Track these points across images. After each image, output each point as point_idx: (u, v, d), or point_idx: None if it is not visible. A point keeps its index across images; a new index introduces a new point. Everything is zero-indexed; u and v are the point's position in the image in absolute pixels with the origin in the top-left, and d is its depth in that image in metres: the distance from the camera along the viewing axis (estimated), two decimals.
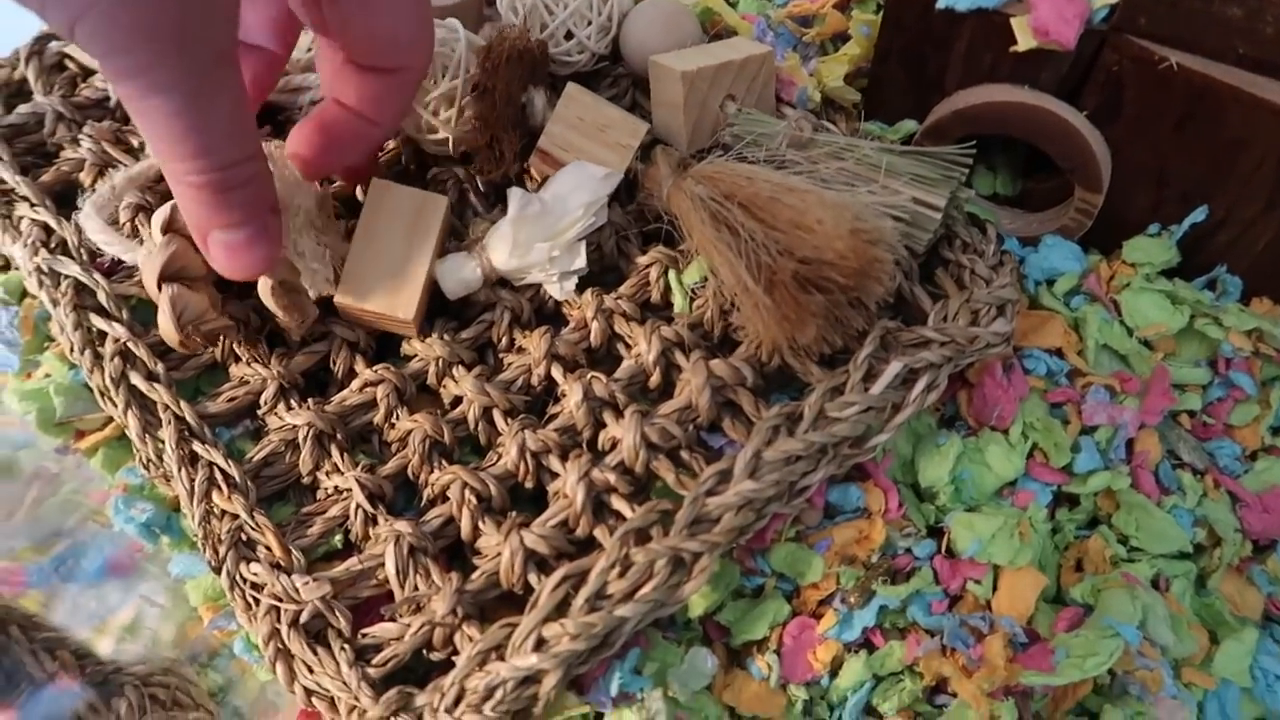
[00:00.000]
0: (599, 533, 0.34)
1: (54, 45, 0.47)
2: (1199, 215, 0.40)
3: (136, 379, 0.37)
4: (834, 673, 0.35)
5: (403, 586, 0.33)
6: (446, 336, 0.38)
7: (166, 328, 0.35)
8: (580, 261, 0.37)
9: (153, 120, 0.28)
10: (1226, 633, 0.37)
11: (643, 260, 0.40)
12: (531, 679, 0.31)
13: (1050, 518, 0.38)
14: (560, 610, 0.32)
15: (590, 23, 0.44)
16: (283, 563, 0.34)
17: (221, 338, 0.38)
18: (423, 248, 0.37)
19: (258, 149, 0.31)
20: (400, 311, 0.36)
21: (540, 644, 0.31)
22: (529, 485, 0.36)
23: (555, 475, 0.35)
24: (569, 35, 0.44)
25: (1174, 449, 0.40)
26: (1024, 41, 0.37)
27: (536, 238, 0.37)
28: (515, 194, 0.36)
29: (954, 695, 0.35)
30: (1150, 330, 0.40)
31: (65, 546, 0.38)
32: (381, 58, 0.34)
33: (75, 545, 0.38)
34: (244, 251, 0.32)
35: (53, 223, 0.40)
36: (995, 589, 0.36)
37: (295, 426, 0.36)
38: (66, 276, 0.38)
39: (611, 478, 0.34)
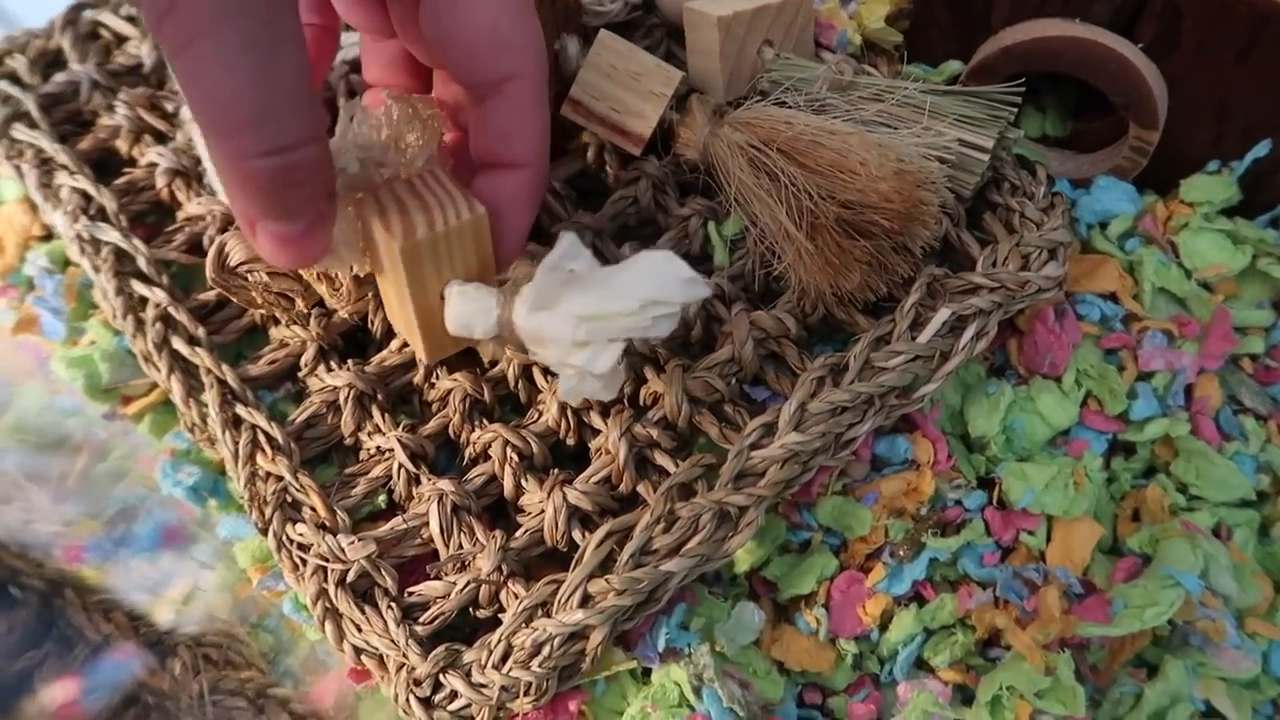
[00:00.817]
0: (642, 488, 0.34)
1: (88, 14, 0.47)
2: (1261, 150, 0.38)
3: (178, 343, 0.37)
4: (884, 626, 0.35)
5: (447, 545, 0.33)
6: None
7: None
8: (606, 365, 0.27)
9: (204, 71, 0.23)
10: None
11: (681, 212, 0.40)
12: (578, 635, 0.31)
13: (1105, 467, 0.37)
14: (605, 566, 0.32)
15: None
16: (328, 523, 0.34)
17: (288, 297, 0.36)
18: (401, 291, 0.30)
19: (324, 125, 0.26)
20: (418, 351, 0.32)
21: (586, 600, 0.31)
22: (570, 442, 0.35)
23: (597, 432, 0.35)
24: None
25: (1235, 394, 0.38)
26: None
27: (570, 306, 0.27)
28: (566, 239, 0.27)
29: (1008, 648, 0.34)
30: (1210, 272, 0.39)
31: (117, 511, 0.38)
32: (484, 62, 0.28)
33: (127, 509, 0.38)
34: (298, 244, 0.27)
35: (91, 190, 0.40)
36: (1049, 540, 0.36)
37: (336, 388, 0.36)
38: (106, 243, 0.39)
39: (654, 433, 0.34)
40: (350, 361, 0.37)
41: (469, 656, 0.31)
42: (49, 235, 0.42)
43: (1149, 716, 0.34)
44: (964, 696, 0.35)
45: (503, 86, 0.29)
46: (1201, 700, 0.34)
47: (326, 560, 0.33)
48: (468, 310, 0.29)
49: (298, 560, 0.33)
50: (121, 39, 0.46)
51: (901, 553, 0.35)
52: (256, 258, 0.34)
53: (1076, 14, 0.38)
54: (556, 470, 0.34)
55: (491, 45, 0.28)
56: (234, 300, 0.37)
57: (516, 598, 0.32)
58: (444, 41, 0.29)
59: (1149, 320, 0.38)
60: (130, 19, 0.47)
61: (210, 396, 0.36)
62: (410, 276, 0.29)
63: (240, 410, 0.36)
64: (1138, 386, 0.37)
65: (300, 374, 0.38)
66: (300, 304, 0.36)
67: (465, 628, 0.34)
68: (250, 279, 0.35)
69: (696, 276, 0.26)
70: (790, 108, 0.38)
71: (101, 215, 0.40)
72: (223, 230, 0.39)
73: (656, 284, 0.26)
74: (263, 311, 0.38)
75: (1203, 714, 0.34)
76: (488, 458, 0.35)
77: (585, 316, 0.27)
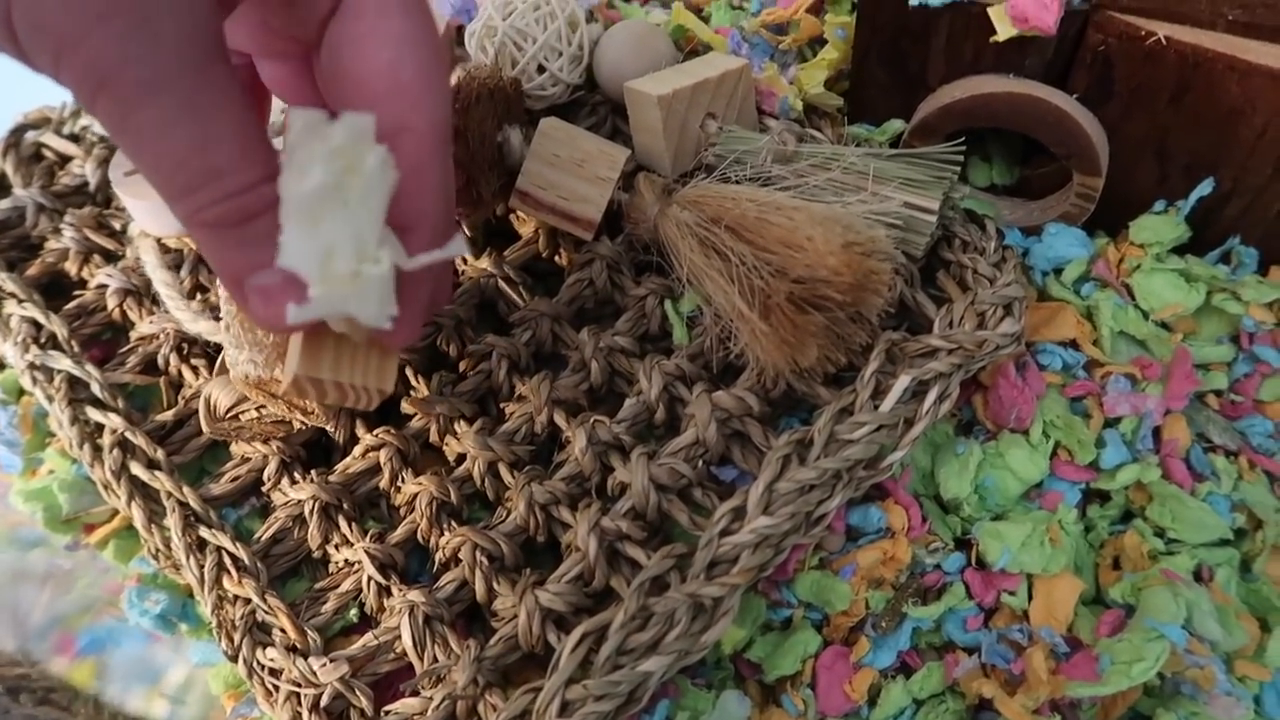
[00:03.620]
0: (615, 583, 0.33)
1: (30, 136, 0.47)
2: (1205, 188, 0.38)
3: (137, 469, 0.36)
4: (872, 701, 0.34)
5: (421, 658, 0.33)
6: (445, 391, 0.38)
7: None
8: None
9: (145, 144, 0.23)
10: (1277, 619, 0.36)
11: (637, 292, 0.39)
12: None
13: (1081, 517, 0.37)
14: (583, 669, 0.31)
15: (561, 54, 0.43)
16: (299, 645, 0.33)
17: (285, 422, 0.36)
18: None
19: (276, 162, 0.25)
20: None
21: (565, 708, 0.30)
22: (541, 538, 0.35)
23: (567, 526, 0.34)
24: (541, 69, 0.43)
25: (1203, 432, 0.38)
26: (1003, 31, 0.36)
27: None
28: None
29: (999, 714, 0.34)
30: (1167, 311, 0.39)
31: (86, 643, 0.38)
32: (377, 109, 0.24)
33: (94, 640, 0.37)
34: (282, 294, 0.25)
35: (41, 317, 0.40)
36: (1031, 598, 0.35)
37: (300, 501, 0.36)
38: (59, 371, 0.38)
39: (623, 525, 0.33)
40: (314, 472, 0.37)
41: None
42: (0, 365, 0.42)
43: None
44: None
45: (396, 140, 0.25)
46: None
47: (299, 685, 0.32)
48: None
49: (270, 686, 0.33)
50: (65, 159, 0.46)
51: (884, 624, 0.35)
52: (242, 398, 0.34)
53: (1010, 68, 0.38)
54: (528, 570, 0.34)
55: (387, 91, 0.26)
56: (237, 444, 0.37)
57: (495, 710, 0.31)
58: (338, 82, 0.27)
59: (1111, 365, 0.38)
60: (73, 138, 0.47)
61: (172, 521, 0.35)
62: None
63: (204, 532, 0.35)
64: (1105, 434, 0.37)
65: (264, 488, 0.37)
66: (297, 425, 0.36)
67: None
68: (243, 419, 0.35)
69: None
70: (737, 182, 0.38)
71: (53, 343, 0.39)
72: (177, 349, 0.39)
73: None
74: (267, 445, 0.38)
75: None
76: (458, 562, 0.34)
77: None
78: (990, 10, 0.36)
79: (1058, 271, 0.40)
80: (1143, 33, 0.35)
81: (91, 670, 0.38)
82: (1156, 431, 0.38)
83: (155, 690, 0.37)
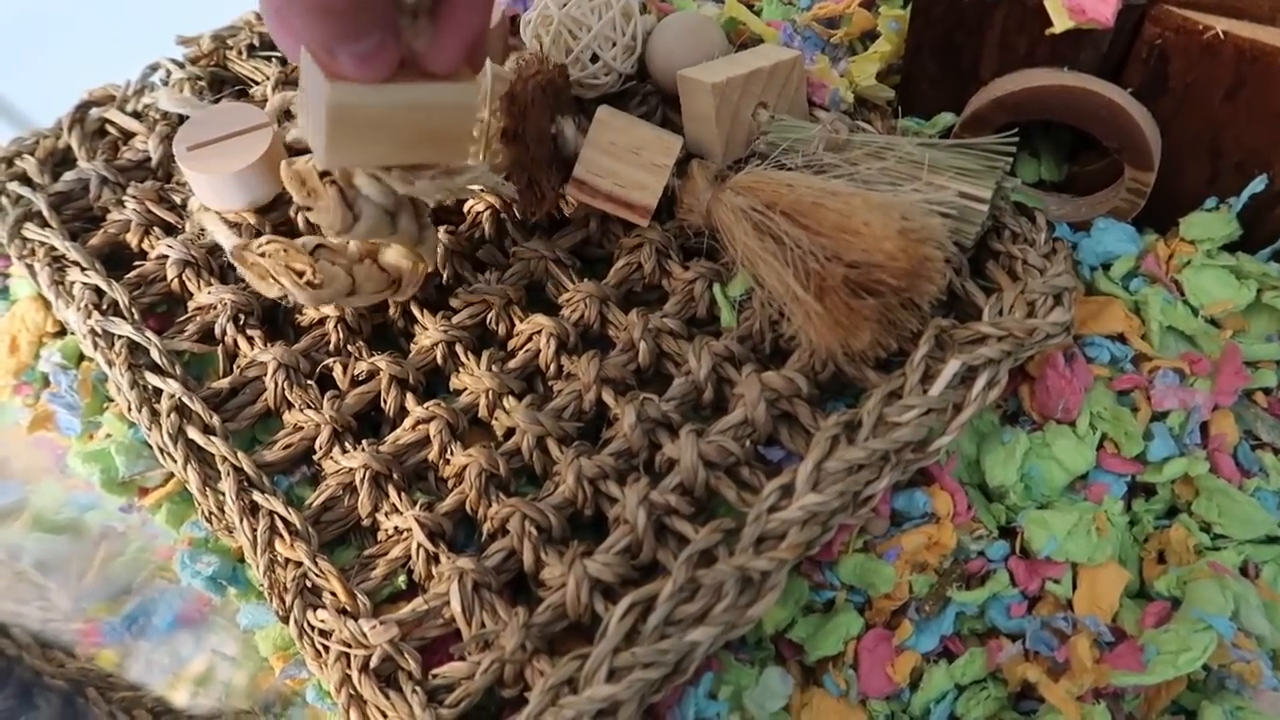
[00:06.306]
0: (662, 556, 0.33)
1: (95, 112, 0.48)
2: (1258, 185, 0.38)
3: (193, 433, 0.37)
4: (914, 685, 0.34)
5: (470, 624, 0.33)
6: (495, 368, 0.38)
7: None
8: None
9: None
10: None
11: (685, 276, 0.40)
12: (607, 711, 0.31)
13: (1127, 509, 0.37)
14: (630, 639, 0.31)
15: (615, 44, 0.44)
16: (349, 608, 0.34)
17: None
18: None
19: None
20: None
21: (613, 674, 0.30)
22: (588, 513, 0.35)
23: (614, 500, 0.35)
24: (594, 58, 0.44)
25: (1251, 429, 0.38)
26: (1060, 23, 0.36)
27: None
28: None
29: (1041, 701, 0.34)
30: (1216, 308, 0.39)
31: (135, 604, 0.38)
32: None
33: (145, 602, 0.38)
34: (374, 58, 0.29)
35: (103, 285, 0.40)
36: (1075, 588, 0.35)
37: (351, 469, 0.36)
38: (119, 336, 0.39)
39: (671, 499, 0.34)
40: (365, 442, 0.37)
41: None
42: (62, 331, 0.43)
43: None
44: None
45: None
46: None
47: (349, 646, 0.33)
48: None
49: (320, 647, 0.33)
50: (128, 135, 0.47)
51: (927, 608, 0.35)
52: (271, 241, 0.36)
53: (1064, 62, 0.38)
54: (576, 542, 0.34)
55: None
56: (249, 276, 0.37)
57: (542, 675, 0.32)
58: None
59: (1159, 359, 0.38)
60: (136, 115, 0.48)
61: (227, 484, 0.36)
62: None
63: (257, 497, 0.36)
64: (1153, 427, 0.37)
65: (315, 456, 0.38)
66: (310, 274, 0.37)
67: (491, 707, 0.33)
68: (267, 249, 0.36)
69: None
70: (790, 169, 0.39)
71: (114, 310, 0.40)
72: (233, 319, 0.40)
73: None
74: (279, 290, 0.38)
75: None
76: (506, 532, 0.35)
77: None
78: (1047, 3, 0.36)
79: (1106, 267, 0.41)
80: (1200, 27, 0.35)
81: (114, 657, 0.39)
82: (1204, 427, 0.38)
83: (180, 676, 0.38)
